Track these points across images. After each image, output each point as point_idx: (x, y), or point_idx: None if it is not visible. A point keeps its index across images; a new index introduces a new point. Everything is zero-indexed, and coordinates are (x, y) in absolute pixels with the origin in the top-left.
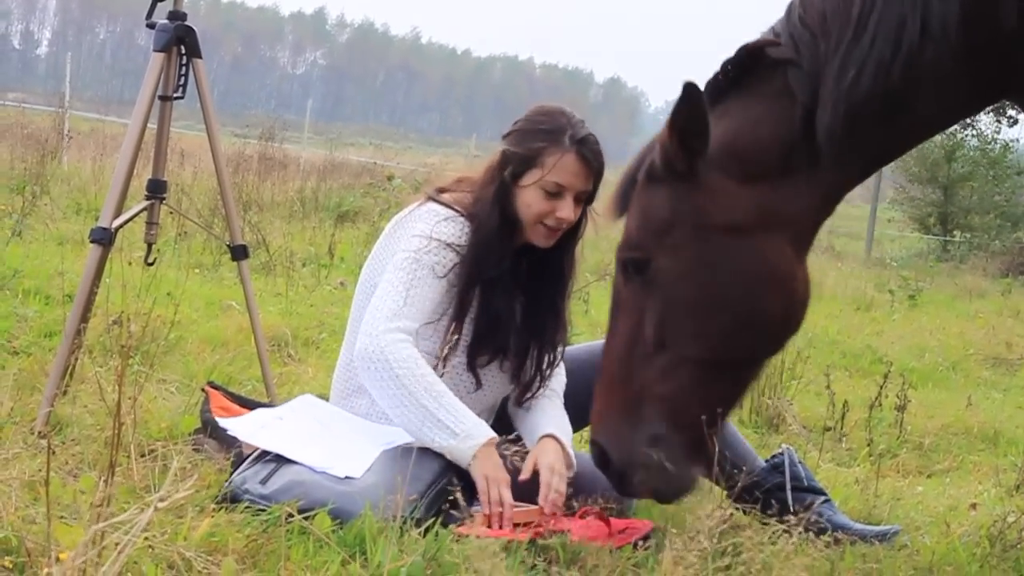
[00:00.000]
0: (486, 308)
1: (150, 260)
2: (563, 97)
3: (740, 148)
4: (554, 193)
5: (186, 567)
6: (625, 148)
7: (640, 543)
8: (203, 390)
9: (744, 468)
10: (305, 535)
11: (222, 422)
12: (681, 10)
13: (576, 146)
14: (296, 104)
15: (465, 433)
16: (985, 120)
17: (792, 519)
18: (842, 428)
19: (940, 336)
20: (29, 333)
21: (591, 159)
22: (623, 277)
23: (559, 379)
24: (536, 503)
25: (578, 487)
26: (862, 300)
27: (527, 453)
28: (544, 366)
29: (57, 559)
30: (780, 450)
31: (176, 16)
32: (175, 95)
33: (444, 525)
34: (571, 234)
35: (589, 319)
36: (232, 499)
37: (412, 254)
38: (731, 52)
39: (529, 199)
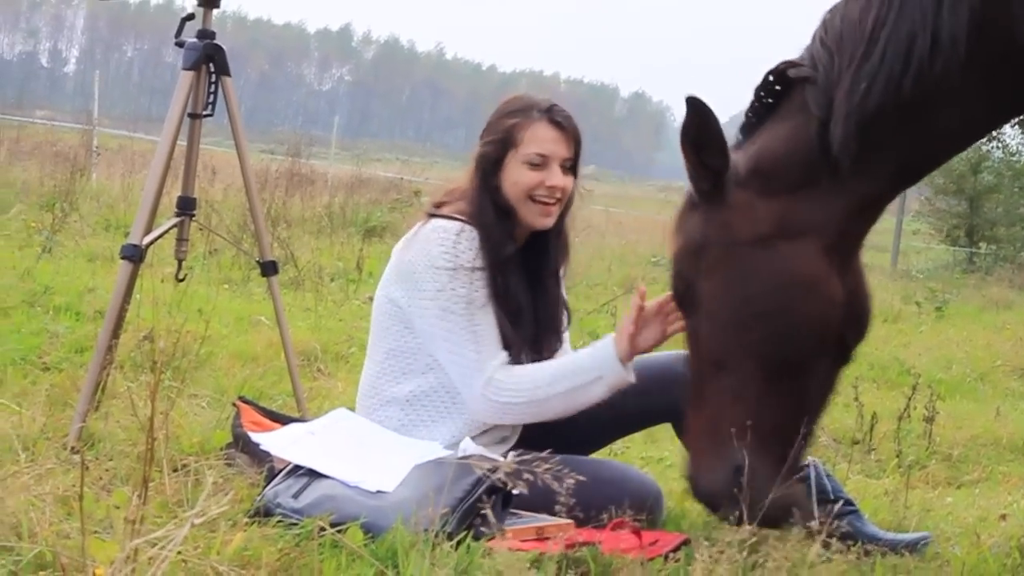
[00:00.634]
0: (505, 300)
1: (180, 276)
2: (588, 112)
3: (762, 165)
4: (538, 164)
5: None
6: (650, 163)
7: (671, 555)
8: (234, 405)
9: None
10: (337, 549)
11: (255, 437)
12: (706, 23)
13: (545, 114)
14: (323, 120)
15: (592, 357)
16: (1010, 132)
17: (819, 529)
18: (871, 440)
19: (967, 348)
20: (60, 349)
21: (563, 123)
22: (677, 303)
23: None
24: (569, 516)
25: (607, 498)
26: (889, 312)
27: (560, 469)
28: (554, 339)
29: (93, 575)
30: (807, 463)
31: (205, 34)
32: (205, 112)
33: (475, 539)
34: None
35: None
36: (265, 513)
37: (451, 295)
38: (755, 67)
39: (514, 176)
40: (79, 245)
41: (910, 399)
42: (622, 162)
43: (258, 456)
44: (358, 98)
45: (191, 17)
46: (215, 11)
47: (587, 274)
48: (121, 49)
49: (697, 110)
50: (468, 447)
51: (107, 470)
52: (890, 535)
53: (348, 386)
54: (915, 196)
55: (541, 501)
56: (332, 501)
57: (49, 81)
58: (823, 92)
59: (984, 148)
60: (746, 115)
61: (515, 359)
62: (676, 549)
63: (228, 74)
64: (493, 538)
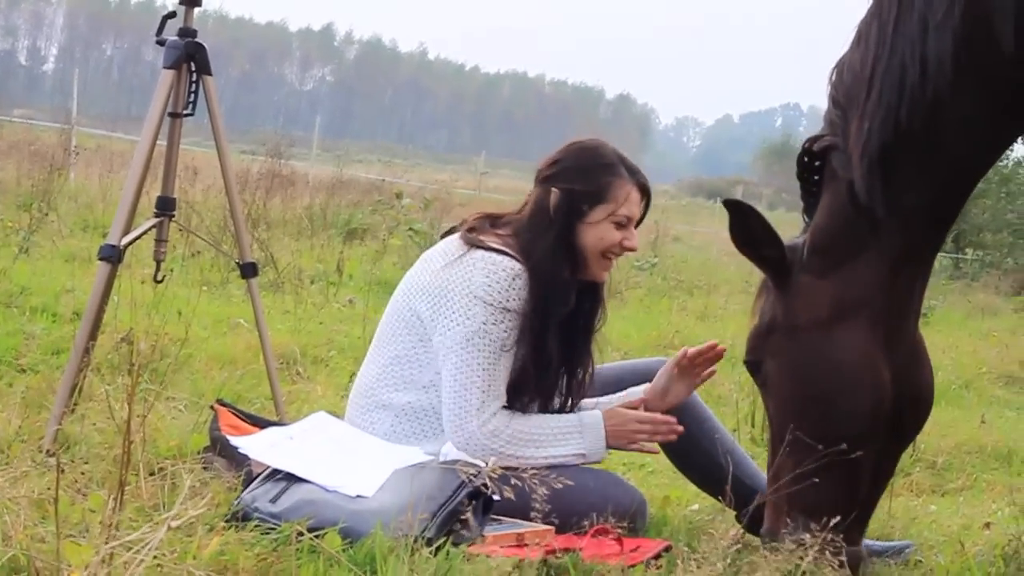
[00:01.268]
0: (541, 352)
1: (159, 278)
2: (573, 114)
3: (816, 243)
4: (623, 224)
5: None
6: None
7: (652, 562)
8: (212, 408)
9: (755, 490)
10: (315, 554)
11: (234, 441)
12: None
13: (635, 177)
14: (304, 120)
15: (582, 435)
16: None
17: (806, 538)
18: None
19: (953, 355)
20: (37, 351)
21: (647, 186)
22: (754, 381)
23: None
24: (545, 523)
25: (590, 506)
26: None
27: (546, 476)
28: (574, 399)
29: None
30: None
31: (187, 33)
32: (185, 112)
33: (455, 545)
34: None
35: (599, 338)
36: (242, 517)
37: (481, 328)
38: (750, 61)
39: (601, 232)
40: (57, 245)
41: None
42: None
43: (236, 460)
44: (340, 98)
45: (172, 15)
46: (196, 9)
47: None
48: (101, 47)
49: (735, 211)
50: (449, 452)
51: (83, 473)
52: (874, 543)
53: (327, 390)
54: None
55: (522, 507)
56: (311, 506)
57: (27, 79)
58: (844, 152)
59: None
60: (803, 199)
61: (524, 407)
62: (658, 556)
63: (209, 73)
64: (473, 544)
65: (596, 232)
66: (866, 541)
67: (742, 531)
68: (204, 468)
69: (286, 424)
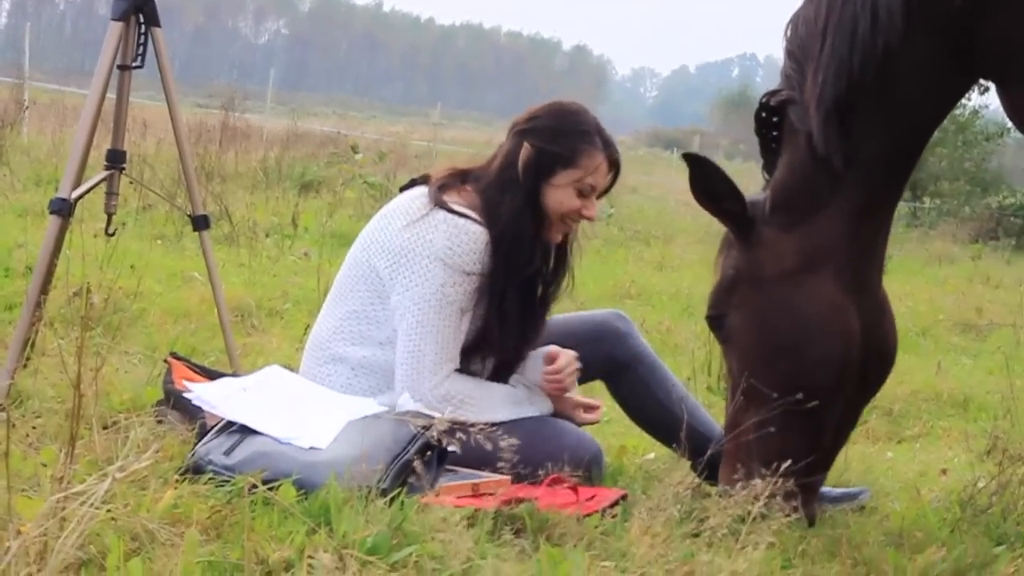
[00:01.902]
0: (501, 311)
1: (111, 231)
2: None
3: (777, 198)
4: (585, 193)
5: (149, 539)
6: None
7: (608, 510)
8: (165, 361)
9: (709, 438)
10: (270, 506)
11: (186, 390)
12: None
13: (608, 150)
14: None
15: (531, 403)
16: None
17: (758, 485)
18: None
19: (910, 302)
20: None
21: (618, 161)
22: (715, 335)
23: None
24: (512, 474)
25: (546, 455)
26: None
27: (493, 430)
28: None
29: (18, 532)
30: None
31: None
32: (134, 64)
33: (410, 495)
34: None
35: None
36: (196, 470)
37: (439, 291)
38: (706, 16)
39: (562, 197)
40: (9, 200)
41: None
42: None
43: (190, 413)
44: (295, 51)
45: None
46: None
47: None
48: (53, 2)
49: (695, 164)
50: (405, 403)
51: (34, 427)
52: (830, 490)
53: (282, 342)
54: None
55: (478, 459)
56: (265, 458)
57: None
58: (801, 104)
59: None
60: (762, 155)
61: (481, 366)
62: (614, 505)
63: (158, 25)
64: (428, 495)
65: (557, 195)
66: (823, 488)
67: (696, 479)
68: (158, 422)
69: (240, 376)
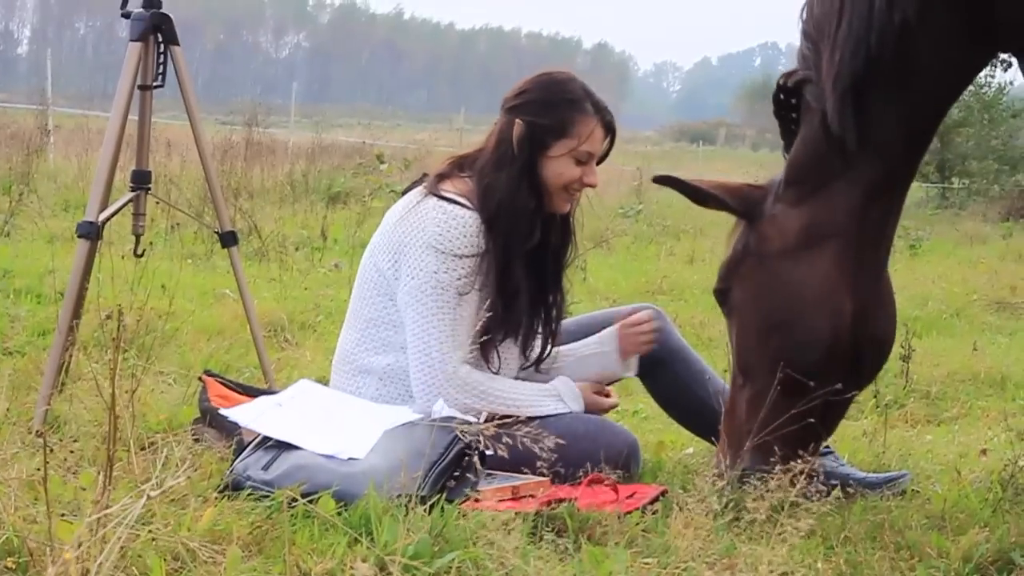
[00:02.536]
0: (505, 286)
1: (139, 252)
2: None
3: (790, 174)
4: (583, 161)
5: (190, 557)
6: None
7: (649, 507)
8: (200, 379)
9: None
10: (310, 519)
11: (223, 411)
12: None
13: (600, 114)
14: (282, 88)
15: (559, 398)
16: None
17: (797, 469)
18: None
19: (943, 284)
20: (22, 333)
21: (612, 124)
22: (721, 311)
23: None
24: (539, 475)
25: (583, 453)
26: None
27: (538, 434)
28: (549, 336)
29: (62, 558)
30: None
31: (151, 3)
32: (155, 84)
33: (450, 501)
34: None
35: (587, 287)
36: (235, 487)
37: (432, 278)
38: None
39: (561, 168)
40: (38, 227)
41: None
42: None
43: (226, 430)
44: (316, 64)
45: None
46: None
47: None
48: (74, 27)
49: (668, 183)
50: (441, 409)
51: (73, 452)
52: (870, 475)
53: (316, 355)
54: None
55: (515, 460)
56: (303, 471)
57: (2, 64)
58: (817, 84)
59: None
60: (782, 137)
61: (499, 344)
62: (654, 501)
63: (177, 43)
64: (468, 499)
65: (556, 167)
66: (862, 473)
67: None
68: (195, 440)
69: (275, 392)
